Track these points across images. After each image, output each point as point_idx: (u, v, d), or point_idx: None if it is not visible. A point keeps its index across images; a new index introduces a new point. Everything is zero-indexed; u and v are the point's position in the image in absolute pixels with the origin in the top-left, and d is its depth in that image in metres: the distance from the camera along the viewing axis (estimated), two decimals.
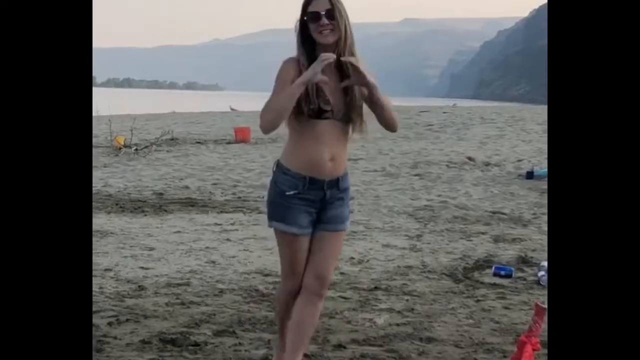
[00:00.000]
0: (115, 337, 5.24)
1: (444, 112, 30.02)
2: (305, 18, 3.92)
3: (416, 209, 11.30)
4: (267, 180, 13.88)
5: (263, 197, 12.80)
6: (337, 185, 4.04)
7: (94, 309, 5.88)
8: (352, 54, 3.92)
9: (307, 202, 4.03)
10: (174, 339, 5.21)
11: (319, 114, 3.90)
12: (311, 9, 3.88)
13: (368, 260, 7.94)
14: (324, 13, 3.84)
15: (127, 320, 5.65)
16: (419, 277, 7.30)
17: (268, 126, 3.85)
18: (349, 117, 3.96)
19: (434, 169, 15.33)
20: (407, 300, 6.48)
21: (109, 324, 5.53)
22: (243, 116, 33.28)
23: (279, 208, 4.08)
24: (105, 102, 39.81)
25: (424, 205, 11.59)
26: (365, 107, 4.04)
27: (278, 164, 4.09)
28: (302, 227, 4.06)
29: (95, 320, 5.59)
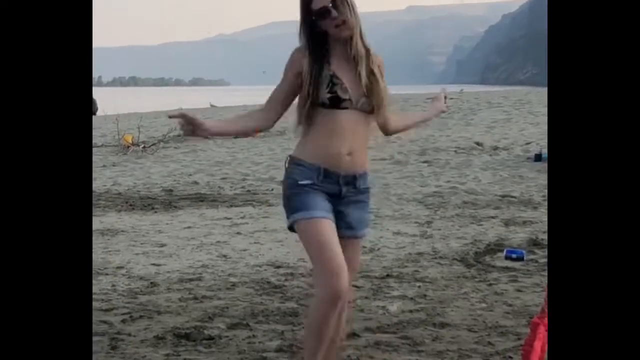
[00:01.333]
0: (129, 334, 5.26)
1: (451, 98, 29.85)
2: (313, 18, 3.62)
3: (426, 195, 11.30)
4: (275, 173, 13.83)
5: (272, 190, 12.83)
6: (354, 183, 3.72)
7: (107, 306, 5.91)
8: (366, 45, 3.69)
9: (323, 194, 3.66)
10: (188, 333, 5.22)
11: (337, 103, 3.61)
12: (316, 6, 3.60)
13: (379, 249, 7.95)
14: (330, 5, 3.57)
15: (141, 316, 5.66)
16: (431, 264, 7.30)
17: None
18: (370, 106, 3.69)
19: (442, 155, 15.30)
20: (419, 286, 6.48)
21: (123, 321, 5.55)
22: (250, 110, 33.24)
23: (295, 198, 3.65)
24: (112, 102, 39.91)
25: (433, 192, 11.58)
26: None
27: (290, 158, 3.74)
28: (325, 210, 3.62)
29: (109, 317, 5.62)
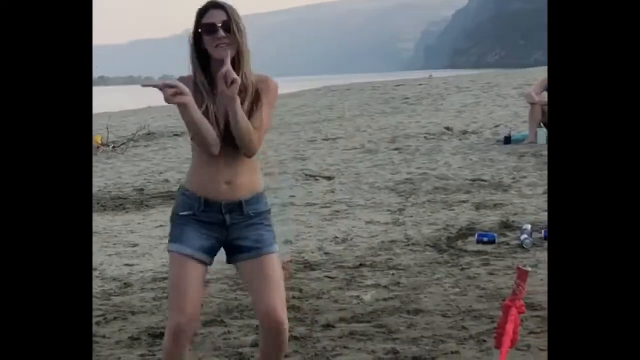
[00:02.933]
0: (103, 336, 5.25)
1: (420, 84, 29.94)
2: (199, 30, 3.58)
3: (397, 183, 11.33)
4: None
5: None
6: (240, 209, 3.66)
7: None
8: (249, 81, 3.58)
9: (204, 225, 3.65)
10: (162, 333, 5.17)
11: None
12: (206, 20, 3.55)
13: (352, 238, 7.97)
14: (220, 25, 3.52)
15: (115, 318, 5.66)
16: (403, 251, 7.33)
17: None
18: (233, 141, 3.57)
19: (412, 141, 15.32)
20: (392, 274, 6.51)
21: (97, 323, 5.53)
22: None
23: (173, 228, 3.70)
24: None
25: (404, 179, 11.60)
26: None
27: (180, 186, 3.80)
28: (195, 248, 3.63)
29: None
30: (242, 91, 3.56)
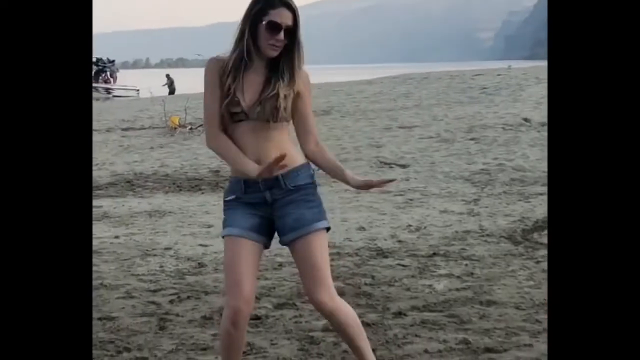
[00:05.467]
0: (177, 315, 5.31)
1: (498, 75, 29.58)
2: (263, 19, 3.51)
3: (473, 173, 11.23)
4: None
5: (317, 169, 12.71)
6: (278, 184, 3.64)
7: (155, 287, 5.99)
8: (297, 68, 3.60)
9: (248, 206, 3.66)
10: None
11: (231, 116, 3.59)
12: (272, 17, 3.50)
13: (425, 227, 7.92)
14: (285, 28, 3.50)
15: (189, 297, 5.72)
16: (478, 242, 7.26)
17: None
18: (265, 115, 3.57)
19: (489, 132, 15.17)
20: (466, 264, 6.46)
21: (171, 301, 5.61)
22: None
23: (224, 215, 3.73)
24: (159, 83, 40.11)
25: (480, 169, 11.50)
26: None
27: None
28: (243, 228, 3.63)
29: (157, 298, 5.69)
30: (292, 86, 3.60)
